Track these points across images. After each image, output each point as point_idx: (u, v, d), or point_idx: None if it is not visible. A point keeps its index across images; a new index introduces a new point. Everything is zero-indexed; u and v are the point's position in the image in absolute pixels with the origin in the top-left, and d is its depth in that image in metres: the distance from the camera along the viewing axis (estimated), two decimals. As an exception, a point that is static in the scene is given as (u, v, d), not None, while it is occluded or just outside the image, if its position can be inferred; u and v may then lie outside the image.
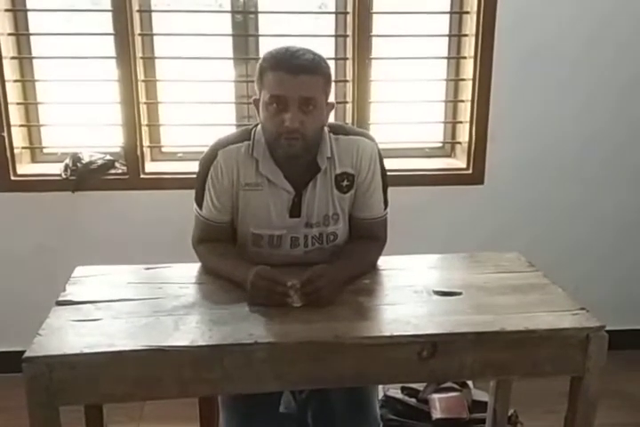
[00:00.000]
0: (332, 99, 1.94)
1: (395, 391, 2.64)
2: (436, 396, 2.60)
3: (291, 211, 1.96)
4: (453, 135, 3.19)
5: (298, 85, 1.78)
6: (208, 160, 1.94)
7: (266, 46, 1.86)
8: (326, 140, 1.94)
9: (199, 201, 1.98)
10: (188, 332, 1.62)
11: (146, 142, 2.99)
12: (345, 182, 1.98)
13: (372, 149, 1.99)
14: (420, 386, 2.63)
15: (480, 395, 2.60)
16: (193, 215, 2.04)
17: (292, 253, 1.99)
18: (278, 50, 1.83)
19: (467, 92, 3.04)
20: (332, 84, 1.93)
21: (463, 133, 3.11)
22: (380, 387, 2.57)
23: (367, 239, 2.03)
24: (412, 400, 2.62)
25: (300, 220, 1.97)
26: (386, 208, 2.05)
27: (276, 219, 1.96)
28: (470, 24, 2.96)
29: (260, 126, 1.93)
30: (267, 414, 1.91)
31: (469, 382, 2.68)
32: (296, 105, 1.78)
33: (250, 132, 1.96)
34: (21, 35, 2.90)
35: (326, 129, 1.95)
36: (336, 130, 1.99)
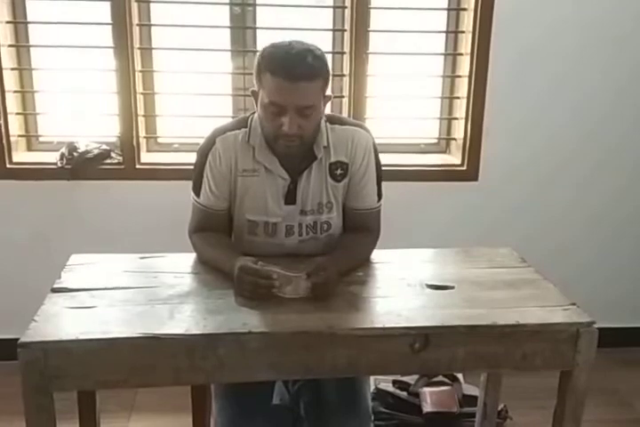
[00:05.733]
0: (328, 91, 1.94)
1: (386, 384, 2.66)
2: (426, 389, 2.62)
3: (286, 198, 1.98)
4: (449, 131, 3.20)
5: (297, 94, 1.77)
6: (206, 148, 1.96)
7: (263, 39, 1.87)
8: (323, 130, 1.96)
9: (197, 189, 2.00)
10: (183, 320, 1.63)
11: (142, 133, 2.99)
12: (339, 171, 1.99)
13: (367, 140, 2.00)
14: (411, 379, 2.65)
15: (470, 389, 2.63)
16: (188, 206, 2.05)
17: (286, 241, 2.01)
18: (278, 50, 1.80)
19: (463, 88, 3.05)
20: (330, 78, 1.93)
21: (458, 130, 3.12)
22: (372, 380, 2.58)
23: (361, 231, 2.05)
24: (403, 394, 2.64)
25: (295, 207, 1.99)
26: (379, 200, 2.07)
27: (271, 205, 1.97)
28: (467, 21, 2.97)
29: (256, 114, 1.95)
30: (260, 404, 1.92)
31: (460, 377, 2.70)
32: (294, 111, 1.79)
33: (247, 119, 1.98)
34: (19, 23, 2.89)
35: (323, 118, 1.96)
36: (333, 120, 2.01)
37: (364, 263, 2.02)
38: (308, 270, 1.76)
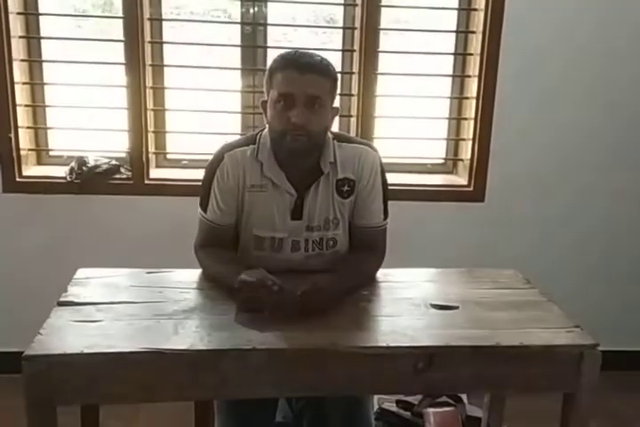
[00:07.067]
0: (336, 104, 1.98)
1: (389, 404, 2.65)
2: (430, 410, 2.61)
3: (292, 213, 1.99)
4: (456, 152, 3.21)
5: (305, 83, 1.82)
6: (214, 163, 1.98)
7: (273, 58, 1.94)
8: (330, 146, 1.98)
9: (204, 205, 2.01)
10: (188, 336, 1.64)
11: (151, 148, 3.01)
12: (346, 187, 2.01)
13: (374, 159, 2.02)
14: (414, 399, 2.64)
15: (474, 410, 2.61)
16: (195, 222, 2.06)
17: (292, 257, 2.02)
18: (288, 51, 1.90)
19: (470, 109, 3.07)
20: (338, 93, 1.97)
21: (465, 151, 3.14)
22: (375, 400, 2.57)
23: (366, 250, 2.05)
24: (407, 414, 2.63)
25: (302, 222, 2.00)
26: (385, 218, 2.08)
27: (278, 221, 1.98)
28: (476, 43, 3.00)
29: (265, 131, 1.98)
30: (262, 422, 1.92)
31: (464, 397, 2.69)
32: (302, 103, 1.83)
33: (255, 136, 2.00)
34: (32, 38, 2.93)
35: (330, 136, 1.99)
36: (340, 138, 2.03)
37: (370, 282, 2.02)
38: (302, 289, 1.75)
